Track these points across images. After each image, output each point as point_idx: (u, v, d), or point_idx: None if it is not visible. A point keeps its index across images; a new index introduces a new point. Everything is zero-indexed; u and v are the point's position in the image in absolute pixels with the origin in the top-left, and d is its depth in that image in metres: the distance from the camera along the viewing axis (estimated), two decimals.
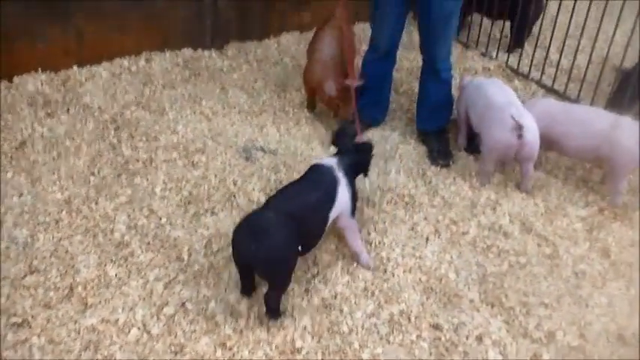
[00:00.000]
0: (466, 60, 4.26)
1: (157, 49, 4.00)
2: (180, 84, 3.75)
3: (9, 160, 2.97)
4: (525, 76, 4.05)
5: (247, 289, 2.32)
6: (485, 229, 2.76)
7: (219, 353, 2.12)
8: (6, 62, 3.49)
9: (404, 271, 2.51)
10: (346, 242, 2.53)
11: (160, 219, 2.69)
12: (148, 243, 2.56)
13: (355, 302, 2.35)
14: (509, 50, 4.32)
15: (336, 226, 2.50)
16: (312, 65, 3.37)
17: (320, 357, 2.14)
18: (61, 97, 3.48)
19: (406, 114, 3.63)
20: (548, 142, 2.98)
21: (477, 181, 3.06)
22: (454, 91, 3.44)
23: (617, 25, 3.48)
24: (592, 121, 2.93)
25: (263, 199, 2.64)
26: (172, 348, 2.14)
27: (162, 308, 2.27)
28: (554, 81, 3.89)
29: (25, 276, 2.37)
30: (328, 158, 2.54)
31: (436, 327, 2.28)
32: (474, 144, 3.25)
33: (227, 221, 2.69)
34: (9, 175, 2.87)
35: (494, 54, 4.29)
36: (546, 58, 3.98)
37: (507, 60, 4.23)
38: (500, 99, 3.00)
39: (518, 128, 2.76)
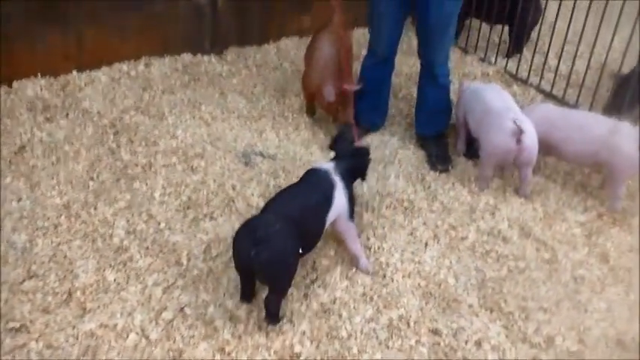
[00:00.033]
0: (465, 65, 4.27)
1: (157, 54, 4.00)
2: (180, 89, 3.75)
3: (8, 165, 2.97)
4: (524, 82, 4.05)
5: (247, 295, 2.32)
6: (484, 234, 2.76)
7: (217, 358, 2.12)
8: (5, 67, 3.49)
9: (403, 276, 2.51)
10: (345, 246, 2.53)
11: (159, 224, 2.69)
12: (147, 248, 2.56)
13: (354, 307, 2.35)
14: (508, 55, 4.33)
15: (335, 229, 2.50)
16: (311, 71, 3.38)
17: None
18: (60, 101, 3.48)
19: (405, 119, 3.63)
20: (546, 148, 2.99)
21: (475, 186, 3.06)
22: (453, 96, 3.45)
23: (615, 31, 3.49)
24: (591, 127, 2.93)
25: (262, 204, 2.64)
26: (171, 353, 2.13)
27: (161, 313, 2.27)
28: (552, 86, 3.89)
29: (24, 281, 2.36)
30: (325, 162, 2.55)
31: (435, 332, 2.28)
32: (472, 149, 3.25)
33: (226, 226, 2.68)
34: (8, 179, 2.87)
35: (493, 59, 4.31)
36: (545, 63, 3.99)
37: (506, 65, 4.24)
38: (498, 104, 3.00)
39: (519, 133, 2.77)
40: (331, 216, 2.37)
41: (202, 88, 3.79)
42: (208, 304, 2.31)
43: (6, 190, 2.80)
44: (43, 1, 3.50)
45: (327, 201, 2.36)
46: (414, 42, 3.35)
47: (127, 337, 2.17)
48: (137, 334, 2.19)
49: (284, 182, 2.96)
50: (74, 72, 3.73)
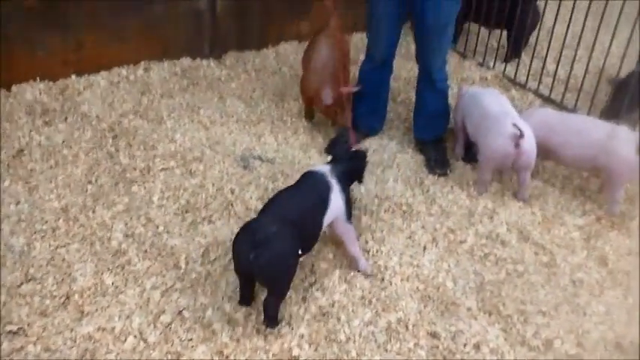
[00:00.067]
0: (463, 70, 4.28)
1: (156, 58, 4.01)
2: (179, 93, 3.75)
3: (6, 168, 2.97)
4: (522, 86, 4.06)
5: (246, 298, 2.31)
6: (483, 238, 2.76)
7: None
8: (4, 71, 3.49)
9: (401, 280, 2.50)
10: (344, 248, 2.54)
11: (157, 227, 2.69)
12: (145, 251, 2.56)
13: (353, 310, 2.35)
14: (507, 60, 4.33)
15: (334, 232, 2.51)
16: (309, 75, 3.39)
17: None
18: (59, 105, 3.48)
19: (404, 123, 3.64)
20: (545, 152, 2.99)
21: (474, 189, 3.06)
22: (451, 101, 3.46)
23: (613, 36, 3.50)
24: (589, 131, 2.94)
25: (260, 208, 2.64)
26: (169, 356, 2.12)
27: (159, 316, 2.26)
28: (551, 91, 3.90)
29: (22, 284, 2.36)
30: (321, 165, 2.56)
31: (434, 335, 2.28)
32: (471, 153, 3.26)
33: (224, 230, 2.68)
34: (6, 183, 2.87)
35: (491, 64, 4.32)
36: (543, 68, 4.00)
37: (504, 70, 4.25)
38: (497, 108, 3.01)
39: (518, 137, 2.77)
40: (328, 218, 2.38)
41: (201, 92, 3.79)
42: (206, 307, 2.31)
43: (4, 194, 2.80)
44: (42, 6, 3.50)
45: (323, 203, 2.36)
46: (413, 47, 3.36)
47: (125, 340, 2.17)
48: (135, 337, 2.18)
49: (282, 186, 2.94)
50: (73, 76, 3.73)
